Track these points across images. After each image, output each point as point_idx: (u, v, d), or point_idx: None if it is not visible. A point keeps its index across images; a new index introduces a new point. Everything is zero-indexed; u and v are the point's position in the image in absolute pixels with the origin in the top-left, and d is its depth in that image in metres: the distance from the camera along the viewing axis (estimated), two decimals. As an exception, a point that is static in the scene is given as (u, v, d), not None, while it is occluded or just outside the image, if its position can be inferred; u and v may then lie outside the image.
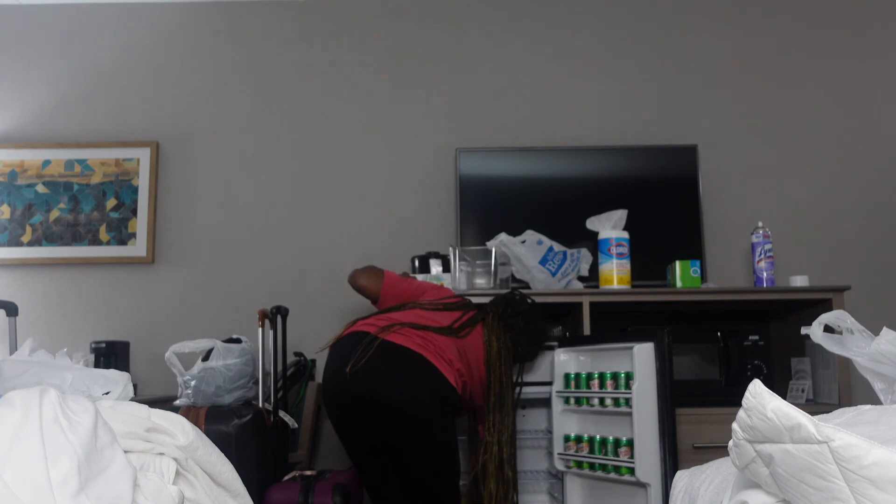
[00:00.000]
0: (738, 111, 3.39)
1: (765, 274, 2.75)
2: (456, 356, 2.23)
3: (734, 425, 1.10)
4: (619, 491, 2.33)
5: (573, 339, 2.67)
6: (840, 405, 2.44)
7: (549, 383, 2.57)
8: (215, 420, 2.42)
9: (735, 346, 2.83)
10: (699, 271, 2.76)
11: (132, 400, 1.52)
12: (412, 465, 2.18)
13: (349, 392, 2.16)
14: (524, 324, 2.42)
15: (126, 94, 3.45)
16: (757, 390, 1.03)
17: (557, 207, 3.14)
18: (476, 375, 2.30)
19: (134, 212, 3.33)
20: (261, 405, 2.62)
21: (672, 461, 2.16)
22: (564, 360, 2.55)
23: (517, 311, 2.43)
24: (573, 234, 2.94)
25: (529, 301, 2.50)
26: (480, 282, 2.78)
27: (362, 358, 2.13)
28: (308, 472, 2.58)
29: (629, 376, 2.30)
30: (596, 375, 2.42)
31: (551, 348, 2.58)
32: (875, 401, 1.42)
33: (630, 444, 2.25)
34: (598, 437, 2.37)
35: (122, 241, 3.32)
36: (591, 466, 2.39)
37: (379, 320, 2.26)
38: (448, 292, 2.50)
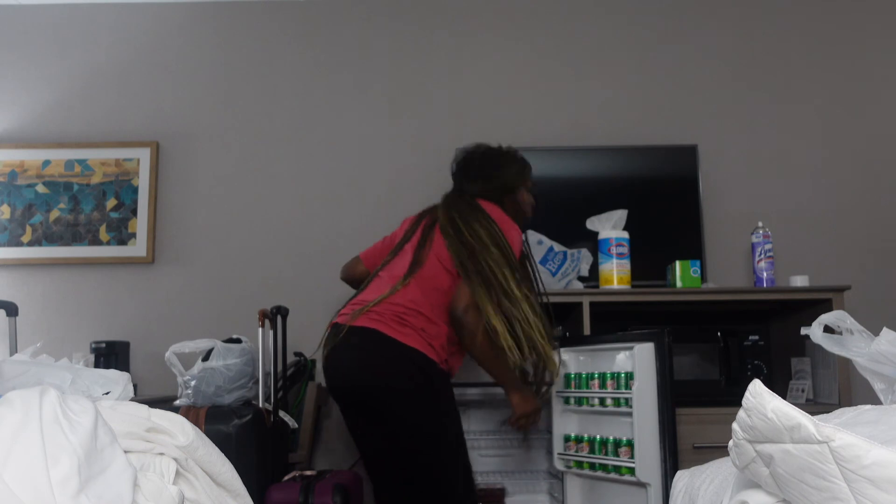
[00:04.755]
0: (738, 111, 3.39)
1: (765, 274, 2.75)
2: (424, 307, 2.15)
3: (734, 425, 1.10)
4: (619, 491, 2.34)
5: (573, 339, 2.67)
6: (840, 405, 2.44)
7: (549, 384, 2.57)
8: (215, 420, 2.42)
9: (735, 346, 2.83)
10: (699, 271, 2.76)
11: (132, 400, 1.52)
12: (400, 457, 2.14)
13: (335, 386, 2.19)
14: (486, 173, 2.37)
15: (126, 94, 3.45)
16: (757, 390, 1.03)
17: (557, 207, 3.14)
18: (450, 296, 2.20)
19: (134, 212, 3.33)
20: (261, 405, 2.62)
21: (672, 461, 2.16)
22: (564, 360, 2.55)
23: (471, 174, 2.39)
24: (573, 234, 2.94)
25: (489, 148, 2.44)
26: (480, 282, 2.78)
27: (336, 349, 2.15)
28: (308, 472, 2.58)
29: (629, 376, 2.30)
30: (596, 375, 2.42)
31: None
32: (875, 401, 1.42)
33: (630, 444, 2.25)
34: (598, 437, 2.37)
35: (122, 241, 3.32)
36: (592, 466, 2.39)
37: (353, 306, 2.24)
38: (408, 222, 2.44)
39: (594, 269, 2.82)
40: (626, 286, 2.70)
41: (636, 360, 2.27)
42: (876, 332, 1.44)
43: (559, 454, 2.50)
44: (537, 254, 2.80)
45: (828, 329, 1.51)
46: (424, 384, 2.12)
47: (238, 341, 2.68)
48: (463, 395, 2.73)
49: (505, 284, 2.17)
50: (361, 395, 2.13)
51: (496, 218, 2.28)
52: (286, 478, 2.54)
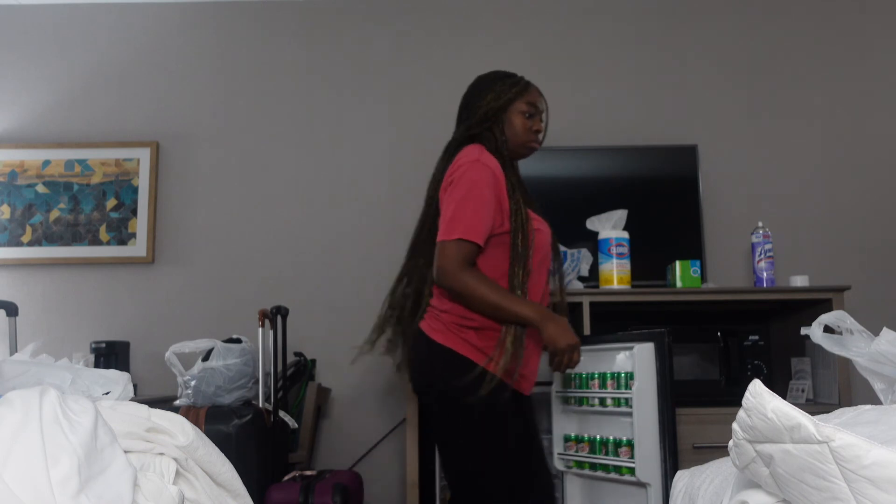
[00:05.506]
0: (738, 111, 3.39)
1: (765, 274, 2.75)
2: (445, 300, 1.96)
3: (734, 425, 1.10)
4: (619, 491, 2.33)
5: (573, 339, 2.66)
6: (840, 405, 2.44)
7: (549, 383, 2.57)
8: (215, 420, 2.42)
9: (735, 346, 2.83)
10: (699, 271, 2.76)
11: (132, 400, 1.52)
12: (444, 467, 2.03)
13: None
14: (469, 110, 2.12)
15: (126, 94, 3.45)
16: (757, 390, 1.03)
17: (557, 207, 3.13)
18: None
19: (134, 212, 3.33)
20: (261, 405, 2.62)
21: (672, 461, 2.16)
22: (564, 360, 2.54)
23: (459, 117, 2.16)
24: (573, 234, 2.93)
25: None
26: (480, 282, 2.78)
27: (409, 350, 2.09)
28: (308, 472, 2.58)
29: (629, 376, 2.30)
30: (596, 375, 2.41)
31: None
32: (875, 401, 1.42)
33: (630, 444, 2.25)
34: (598, 437, 2.37)
35: (122, 241, 3.32)
36: (592, 466, 2.39)
37: None
38: None
39: (594, 269, 2.81)
40: (626, 286, 2.70)
41: (636, 360, 2.27)
42: (876, 332, 1.44)
43: (559, 454, 2.50)
44: (537, 254, 2.80)
45: (828, 329, 1.51)
46: (451, 387, 1.90)
47: (238, 341, 2.68)
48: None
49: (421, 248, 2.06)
50: (417, 392, 2.08)
51: (454, 165, 2.01)
52: (286, 478, 2.54)
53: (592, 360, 2.51)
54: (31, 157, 3.37)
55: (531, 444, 2.04)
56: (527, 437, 2.02)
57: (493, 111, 2.09)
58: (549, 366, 1.96)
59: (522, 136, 2.11)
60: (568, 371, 2.08)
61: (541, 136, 2.15)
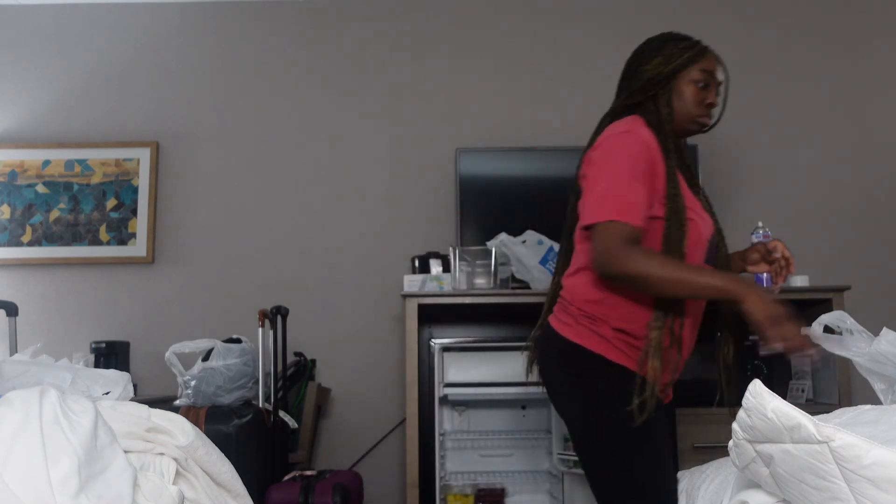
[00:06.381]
0: (739, 111, 3.38)
1: (765, 274, 2.75)
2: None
3: (734, 425, 1.10)
4: (619, 491, 2.33)
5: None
6: (840, 405, 2.44)
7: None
8: (215, 420, 2.42)
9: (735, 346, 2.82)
10: (699, 271, 2.76)
11: (132, 400, 1.52)
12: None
13: None
14: (629, 77, 1.86)
15: (126, 94, 3.45)
16: (757, 390, 1.04)
17: (557, 207, 3.13)
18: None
19: (134, 212, 3.33)
20: (261, 405, 2.62)
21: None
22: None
23: (619, 84, 1.90)
24: (573, 234, 2.93)
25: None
26: (480, 282, 2.79)
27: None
28: (308, 472, 2.58)
29: (629, 376, 2.30)
30: (596, 375, 2.41)
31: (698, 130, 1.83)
32: (875, 401, 1.42)
33: (630, 444, 2.25)
34: (598, 437, 2.37)
35: (122, 241, 3.32)
36: (591, 466, 2.38)
37: None
38: None
39: (594, 269, 2.80)
40: (626, 286, 2.69)
41: (636, 360, 2.27)
42: (876, 332, 1.44)
43: (559, 454, 2.50)
44: (537, 254, 2.80)
45: (828, 329, 1.51)
46: (569, 381, 1.69)
47: (238, 341, 2.68)
48: (463, 396, 2.74)
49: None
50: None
51: (600, 138, 1.77)
52: (286, 478, 2.54)
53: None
54: (31, 157, 3.37)
55: (661, 461, 1.66)
56: (655, 455, 1.65)
57: (660, 78, 1.78)
58: (759, 347, 1.64)
59: (693, 109, 1.77)
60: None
61: (714, 111, 1.81)
